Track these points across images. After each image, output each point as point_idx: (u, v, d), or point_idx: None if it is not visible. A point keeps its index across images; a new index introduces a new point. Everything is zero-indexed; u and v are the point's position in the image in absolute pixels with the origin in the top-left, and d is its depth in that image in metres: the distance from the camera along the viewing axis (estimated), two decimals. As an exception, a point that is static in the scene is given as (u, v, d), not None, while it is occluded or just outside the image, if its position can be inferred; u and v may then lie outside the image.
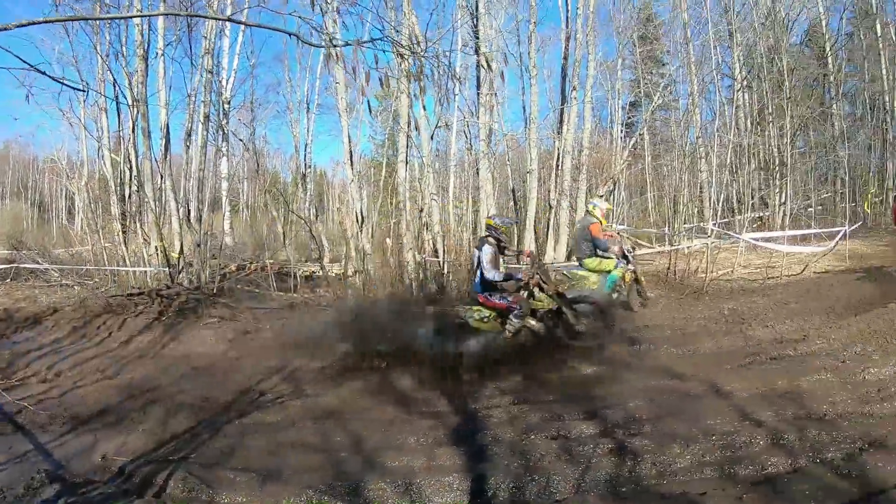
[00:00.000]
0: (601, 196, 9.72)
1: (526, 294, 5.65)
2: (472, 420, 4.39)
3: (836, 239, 12.00)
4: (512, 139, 13.54)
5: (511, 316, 5.53)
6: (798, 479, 3.50)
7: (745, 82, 13.90)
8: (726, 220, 13.12)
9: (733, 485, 3.42)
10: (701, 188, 13.00)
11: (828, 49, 15.35)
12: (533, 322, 5.65)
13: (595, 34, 11.87)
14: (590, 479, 3.45)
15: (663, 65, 16.53)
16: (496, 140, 11.64)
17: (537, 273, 5.66)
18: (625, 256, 7.07)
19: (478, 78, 11.26)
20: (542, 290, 5.65)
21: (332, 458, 3.82)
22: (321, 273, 9.87)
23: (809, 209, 14.57)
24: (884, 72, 15.16)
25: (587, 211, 7.58)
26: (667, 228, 11.58)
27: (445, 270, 8.93)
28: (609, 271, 6.88)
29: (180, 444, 4.08)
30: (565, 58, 11.86)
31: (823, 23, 15.80)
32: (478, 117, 10.90)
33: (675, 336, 6.51)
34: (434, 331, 5.87)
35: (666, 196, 12.62)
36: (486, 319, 5.64)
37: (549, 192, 10.85)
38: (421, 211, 9.44)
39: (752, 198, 13.49)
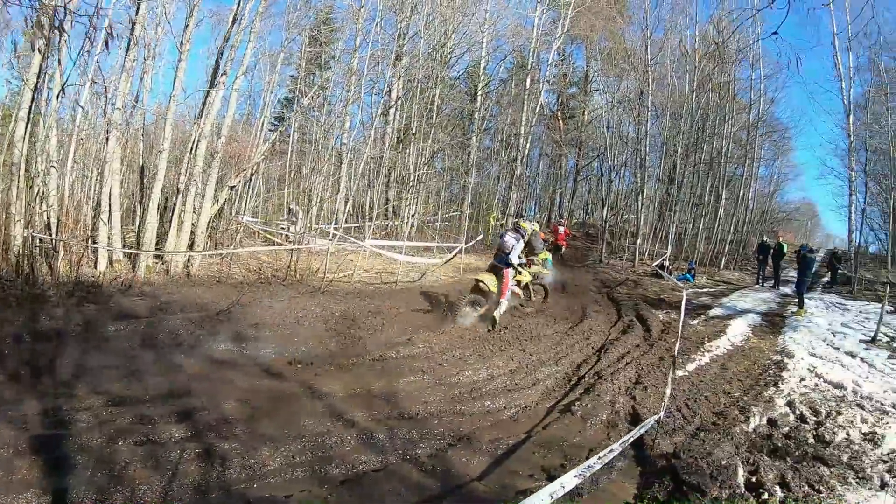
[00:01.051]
0: (529, 220, 14.69)
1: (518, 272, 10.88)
2: (61, 425, 4.77)
3: (454, 253, 17.45)
4: (157, 114, 15.60)
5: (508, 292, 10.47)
6: (386, 477, 4.44)
7: (398, 102, 19.09)
8: (358, 224, 17.96)
9: (321, 484, 4.26)
10: (338, 191, 17.46)
11: (480, 89, 21.93)
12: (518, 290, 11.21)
13: (262, 22, 15.20)
14: (177, 487, 4.01)
15: (326, 69, 21.04)
16: (138, 112, 13.44)
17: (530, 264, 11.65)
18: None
19: (129, 40, 12.69)
20: (528, 268, 11.50)
21: None
22: None
23: (436, 224, 20.66)
24: (523, 119, 22.65)
25: (534, 230, 12.77)
26: (297, 226, 15.39)
27: (59, 250, 10.19)
28: (546, 259, 13.58)
29: None
30: (226, 39, 14.31)
31: (483, 65, 22.50)
32: (119, 83, 12.47)
33: (283, 335, 7.94)
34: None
35: (303, 194, 16.62)
36: (494, 286, 10.25)
37: (179, 175, 13.01)
38: (34, 178, 10.64)
39: (386, 206, 18.72)
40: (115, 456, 4.29)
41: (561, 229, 19.95)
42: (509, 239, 10.43)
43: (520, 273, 11.01)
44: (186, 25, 13.64)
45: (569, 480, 3.49)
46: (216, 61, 14.08)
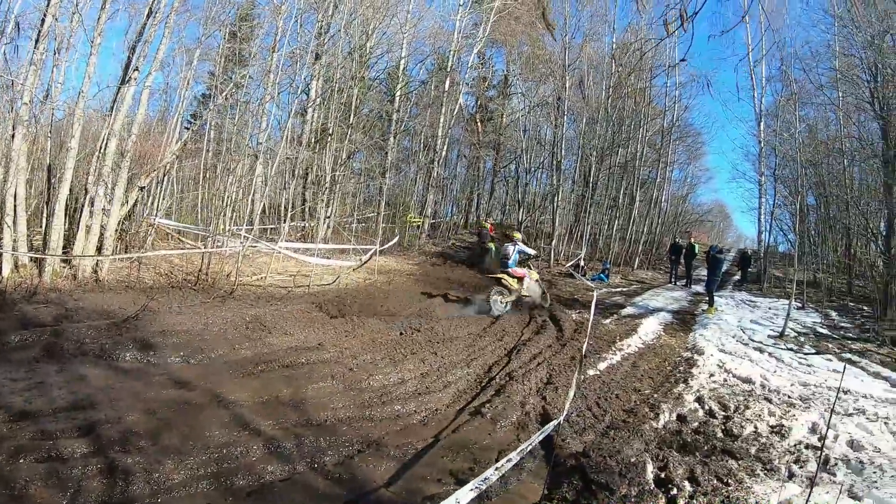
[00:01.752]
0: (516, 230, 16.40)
1: (527, 269, 13.64)
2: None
3: (368, 255, 17.77)
4: (67, 110, 15.16)
5: (525, 280, 13.31)
6: (293, 486, 4.49)
7: (317, 101, 19.44)
8: (273, 226, 18.20)
9: (226, 497, 4.28)
10: (253, 192, 17.67)
11: (398, 89, 22.51)
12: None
13: (179, 16, 15.15)
14: (79, 505, 3.95)
15: (243, 66, 20.80)
16: (47, 107, 12.77)
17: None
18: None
19: (38, 32, 12.24)
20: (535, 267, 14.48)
21: None
22: None
23: (353, 225, 21.18)
24: (441, 120, 23.31)
25: (517, 238, 14.18)
26: (211, 227, 15.46)
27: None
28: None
29: None
30: (140, 34, 14.27)
31: (402, 66, 22.99)
32: (27, 77, 11.96)
33: (191, 342, 7.70)
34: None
35: (216, 195, 16.76)
36: (515, 283, 13.00)
37: (88, 175, 12.67)
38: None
39: (302, 207, 19.10)
40: (15, 474, 4.18)
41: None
42: (508, 246, 13.60)
43: (530, 269, 13.85)
44: (99, 17, 13.24)
45: (464, 495, 3.41)
46: (129, 56, 13.89)
